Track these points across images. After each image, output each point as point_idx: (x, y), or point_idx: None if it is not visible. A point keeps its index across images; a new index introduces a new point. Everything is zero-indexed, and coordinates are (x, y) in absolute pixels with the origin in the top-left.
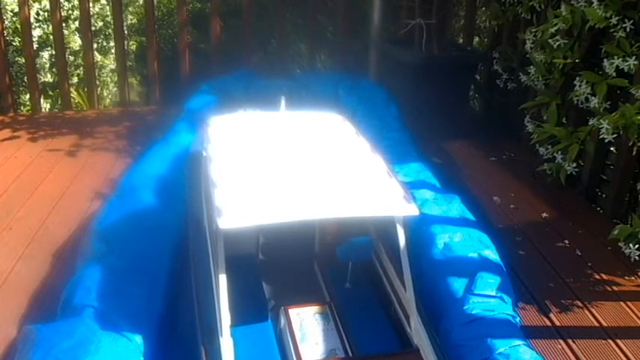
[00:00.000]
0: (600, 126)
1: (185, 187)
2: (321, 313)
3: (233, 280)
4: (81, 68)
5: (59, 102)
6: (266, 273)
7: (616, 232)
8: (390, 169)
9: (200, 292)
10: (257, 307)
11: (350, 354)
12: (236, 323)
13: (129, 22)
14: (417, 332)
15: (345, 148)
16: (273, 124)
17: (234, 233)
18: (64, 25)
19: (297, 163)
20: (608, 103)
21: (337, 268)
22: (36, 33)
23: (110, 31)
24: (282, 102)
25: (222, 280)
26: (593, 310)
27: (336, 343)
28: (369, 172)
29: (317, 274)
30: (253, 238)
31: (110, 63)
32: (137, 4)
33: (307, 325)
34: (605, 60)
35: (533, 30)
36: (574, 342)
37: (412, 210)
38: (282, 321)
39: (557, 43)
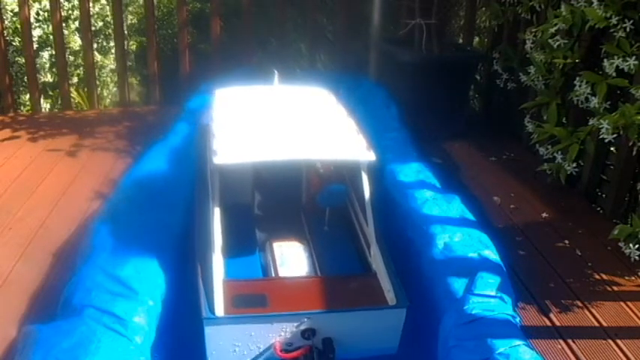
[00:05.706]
0: (600, 126)
1: (194, 154)
2: (300, 246)
3: (230, 224)
4: (81, 68)
5: (59, 102)
6: (259, 221)
7: (616, 232)
8: (358, 129)
9: (201, 230)
10: (248, 242)
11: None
12: (229, 255)
13: (129, 22)
14: (375, 259)
15: (325, 112)
16: (268, 95)
17: (233, 184)
18: (64, 25)
19: (283, 121)
20: (608, 103)
21: (320, 216)
22: (36, 33)
23: (110, 31)
24: (276, 76)
25: (216, 210)
26: (593, 310)
27: (310, 268)
28: (342, 130)
29: (302, 221)
30: (249, 192)
31: (110, 63)
32: (137, 4)
33: (287, 254)
34: (605, 60)
35: (533, 30)
36: (574, 342)
37: (370, 156)
38: (267, 252)
39: (557, 43)
